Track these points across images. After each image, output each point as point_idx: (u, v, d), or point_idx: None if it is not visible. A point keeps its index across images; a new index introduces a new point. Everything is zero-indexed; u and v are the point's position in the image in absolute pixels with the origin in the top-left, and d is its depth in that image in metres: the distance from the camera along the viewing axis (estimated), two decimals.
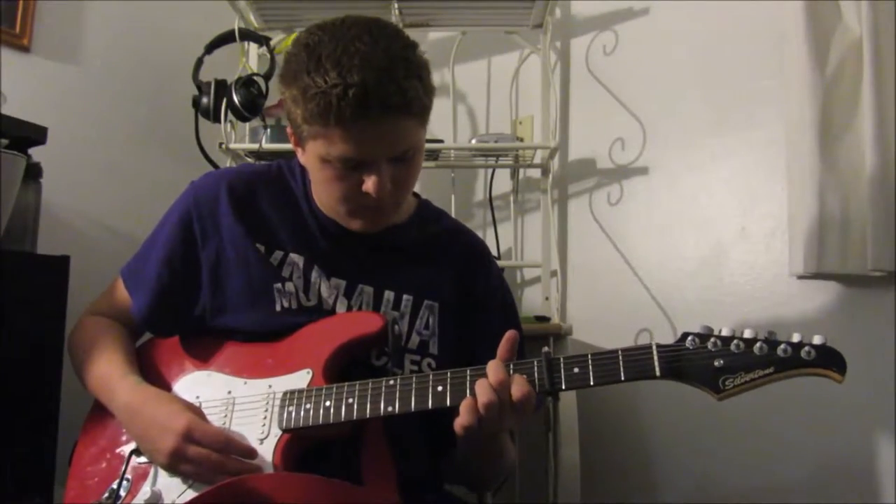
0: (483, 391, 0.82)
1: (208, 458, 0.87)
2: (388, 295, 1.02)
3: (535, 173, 2.11)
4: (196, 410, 0.93)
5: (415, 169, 0.97)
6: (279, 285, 1.00)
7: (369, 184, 0.90)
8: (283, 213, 1.04)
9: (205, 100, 1.74)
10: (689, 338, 0.82)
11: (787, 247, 1.64)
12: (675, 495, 1.80)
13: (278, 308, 1.00)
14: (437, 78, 2.21)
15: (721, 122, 1.81)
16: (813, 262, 1.55)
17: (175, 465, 0.89)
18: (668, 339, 0.83)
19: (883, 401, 1.53)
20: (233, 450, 0.89)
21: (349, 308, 1.01)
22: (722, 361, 0.80)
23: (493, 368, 0.84)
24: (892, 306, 1.54)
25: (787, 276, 1.65)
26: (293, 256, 1.01)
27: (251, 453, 0.89)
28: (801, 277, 1.63)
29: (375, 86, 0.84)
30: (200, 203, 1.03)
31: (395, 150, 0.91)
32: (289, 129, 0.97)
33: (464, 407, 0.83)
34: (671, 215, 1.88)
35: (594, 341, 1.94)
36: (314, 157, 0.92)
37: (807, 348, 0.78)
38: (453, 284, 1.06)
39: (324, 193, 0.99)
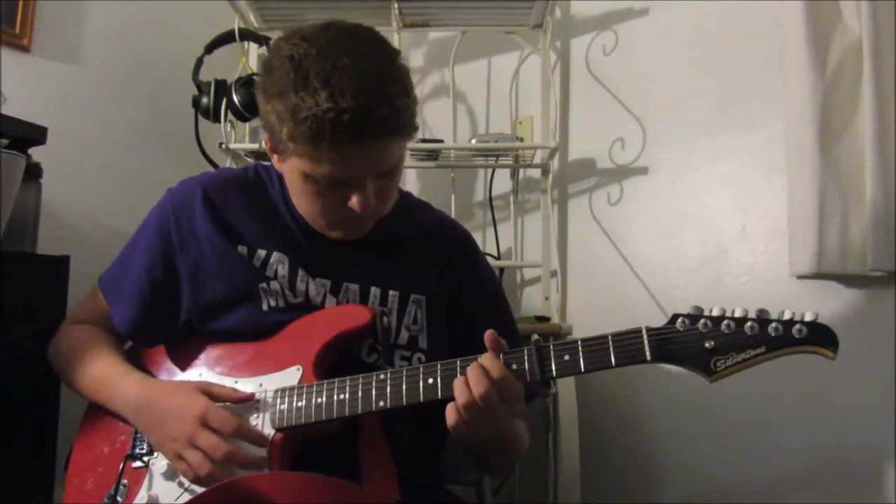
0: (459, 393, 0.83)
1: (217, 448, 0.87)
2: (375, 291, 1.02)
3: (535, 173, 2.11)
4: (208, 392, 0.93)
5: (397, 179, 0.97)
6: (264, 285, 1.00)
7: (354, 201, 0.90)
8: (261, 215, 1.03)
9: (205, 100, 1.74)
10: (679, 319, 0.80)
11: (787, 247, 1.64)
12: (675, 495, 1.80)
13: (265, 307, 1.00)
14: (437, 78, 2.22)
15: (721, 121, 1.81)
16: (813, 262, 1.54)
17: (184, 451, 0.88)
18: None
19: (883, 400, 1.53)
20: (244, 435, 0.89)
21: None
22: (713, 342, 0.78)
23: (471, 371, 0.83)
24: (892, 306, 1.54)
25: (787, 276, 1.65)
26: (276, 255, 1.01)
27: (262, 440, 0.90)
28: (801, 277, 1.63)
29: (369, 110, 0.83)
30: (178, 211, 1.03)
31: (382, 168, 0.91)
32: (265, 136, 0.95)
33: (449, 409, 0.84)
34: (671, 215, 1.88)
35: None
36: (296, 171, 0.91)
37: (798, 326, 0.76)
38: (440, 277, 1.05)
39: (302, 206, 0.98)
